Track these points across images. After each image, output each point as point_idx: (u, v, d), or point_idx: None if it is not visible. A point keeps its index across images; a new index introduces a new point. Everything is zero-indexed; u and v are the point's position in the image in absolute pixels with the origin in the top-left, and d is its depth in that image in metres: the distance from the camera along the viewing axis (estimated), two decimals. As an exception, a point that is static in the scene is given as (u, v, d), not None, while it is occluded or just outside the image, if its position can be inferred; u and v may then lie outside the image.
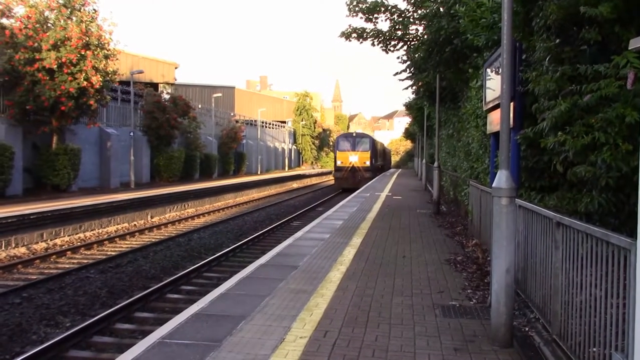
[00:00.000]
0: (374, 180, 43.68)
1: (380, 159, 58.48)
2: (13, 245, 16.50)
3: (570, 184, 6.50)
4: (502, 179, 5.67)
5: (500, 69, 6.27)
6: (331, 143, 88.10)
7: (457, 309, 7.05)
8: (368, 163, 43.90)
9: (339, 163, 43.81)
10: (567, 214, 5.57)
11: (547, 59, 6.65)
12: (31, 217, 17.38)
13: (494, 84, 8.56)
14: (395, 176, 52.53)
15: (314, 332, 6.02)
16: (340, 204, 21.02)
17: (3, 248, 16.09)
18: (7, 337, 9.13)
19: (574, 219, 5.14)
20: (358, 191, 29.10)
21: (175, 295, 11.73)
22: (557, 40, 6.51)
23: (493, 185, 5.80)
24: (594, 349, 4.37)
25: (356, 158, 43.55)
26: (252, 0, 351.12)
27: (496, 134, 8.34)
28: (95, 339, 9.00)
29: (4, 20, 23.34)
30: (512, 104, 6.77)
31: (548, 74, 6.45)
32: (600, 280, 4.29)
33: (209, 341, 5.65)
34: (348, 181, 42.73)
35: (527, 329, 6.24)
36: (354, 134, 47.17)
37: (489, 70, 9.17)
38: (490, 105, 8.96)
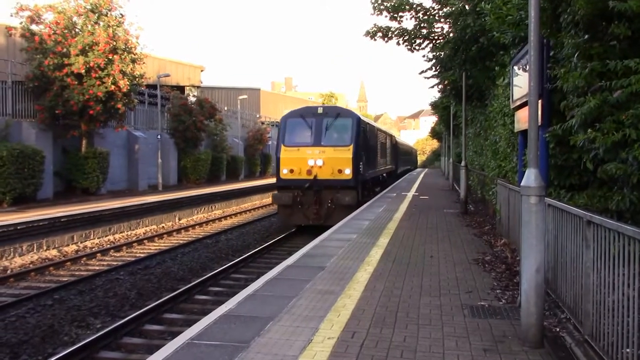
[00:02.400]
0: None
1: (389, 160, 33.80)
2: (44, 247, 16.77)
3: (601, 181, 6.41)
4: (531, 177, 5.59)
5: (527, 66, 6.20)
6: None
7: (486, 309, 6.98)
8: (349, 171, 19.65)
9: (284, 172, 20.07)
10: (597, 213, 5.48)
11: (575, 55, 6.55)
12: (62, 220, 17.65)
13: (521, 82, 8.45)
14: (422, 176, 52.02)
15: (342, 333, 6.01)
16: (367, 204, 20.97)
17: (35, 250, 16.37)
18: (40, 338, 9.28)
19: (605, 217, 5.05)
20: (385, 191, 28.91)
21: (204, 297, 11.81)
22: (586, 36, 6.41)
23: (522, 183, 5.73)
24: (627, 350, 4.29)
25: (321, 162, 19.71)
26: (277, 2, 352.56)
27: (524, 132, 8.24)
28: (125, 340, 9.11)
29: (34, 27, 23.73)
30: (540, 101, 6.68)
31: (577, 71, 6.36)
32: (632, 280, 4.21)
33: (237, 342, 5.68)
34: (304, 211, 19.76)
35: (558, 329, 6.15)
36: (320, 110, 20.94)
37: (516, 67, 9.06)
38: (518, 103, 8.86)
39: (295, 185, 19.51)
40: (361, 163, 20.21)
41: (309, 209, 19.47)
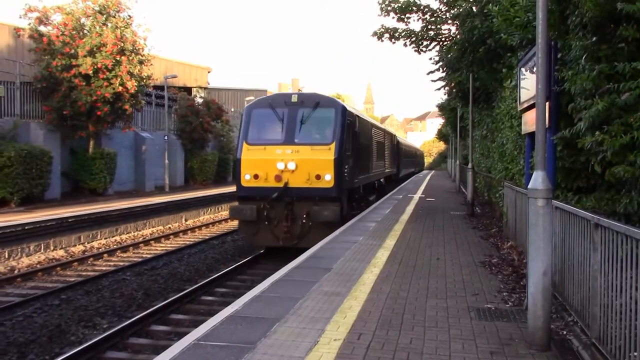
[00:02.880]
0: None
1: (388, 162, 28.80)
2: (52, 248, 16.84)
3: (609, 184, 6.38)
4: (538, 179, 5.58)
5: (535, 69, 6.18)
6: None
7: (492, 312, 6.96)
8: (330, 177, 15.01)
9: (247, 178, 15.43)
10: (605, 215, 5.46)
11: (583, 58, 6.53)
12: (69, 220, 17.72)
13: (528, 84, 8.43)
14: (428, 178, 51.91)
15: (348, 334, 6.01)
16: (373, 206, 20.94)
17: (42, 251, 16.44)
18: (47, 337, 9.32)
19: (613, 220, 5.03)
20: (390, 193, 28.85)
21: (210, 298, 11.83)
22: (594, 38, 6.38)
23: (529, 186, 5.71)
24: (635, 354, 4.27)
25: (293, 166, 15.11)
26: (284, 3, 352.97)
27: (531, 135, 8.22)
28: (131, 340, 9.14)
29: (42, 28, 23.86)
30: (547, 103, 6.66)
31: (584, 73, 6.33)
32: (640, 283, 4.19)
33: (244, 343, 5.68)
34: (272, 229, 15.37)
35: (564, 332, 6.13)
36: (294, 98, 16.08)
37: (523, 69, 9.03)
38: (525, 105, 8.83)
39: (260, 195, 14.96)
40: (347, 166, 15.61)
41: (279, 227, 15.05)
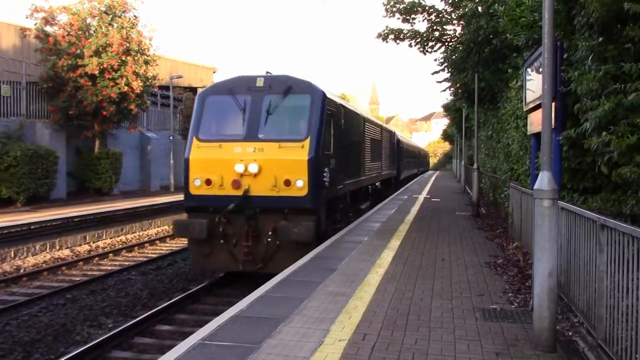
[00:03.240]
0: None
1: (385, 163, 25.34)
2: (57, 247, 16.89)
3: (615, 185, 6.36)
4: (544, 180, 5.56)
5: (541, 69, 6.17)
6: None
7: (498, 313, 6.94)
8: (302, 183, 11.68)
9: (196, 184, 12.18)
10: (611, 216, 5.44)
11: (589, 58, 6.51)
12: (75, 220, 17.77)
13: (534, 84, 8.42)
14: (433, 178, 51.81)
15: (353, 335, 6.00)
16: (377, 207, 20.92)
17: (48, 250, 16.49)
18: (52, 337, 9.35)
19: (619, 221, 5.01)
20: (396, 193, 28.83)
21: (215, 298, 11.83)
22: (600, 39, 6.37)
23: (535, 186, 5.70)
24: (641, 355, 4.25)
25: (255, 168, 11.76)
26: (288, 4, 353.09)
27: (537, 135, 8.21)
28: (136, 339, 9.15)
29: (48, 28, 23.94)
30: (553, 104, 6.65)
31: (591, 73, 6.32)
32: (647, 284, 4.17)
33: (248, 343, 5.68)
34: (230, 250, 11.92)
35: (570, 333, 6.11)
36: (260, 82, 12.58)
37: (529, 70, 9.02)
38: (531, 105, 8.82)
39: (213, 205, 11.81)
40: (327, 169, 12.56)
41: (238, 247, 11.83)
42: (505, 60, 14.17)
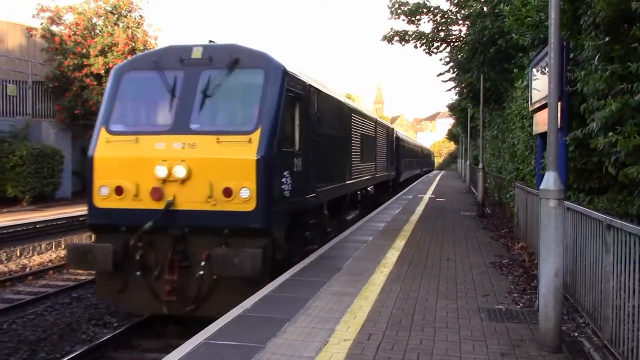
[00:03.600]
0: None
1: (381, 164, 22.24)
2: (63, 246, 16.93)
3: (621, 185, 6.34)
4: (550, 180, 5.54)
5: (547, 69, 6.15)
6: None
7: (503, 313, 6.93)
8: (249, 193, 8.33)
9: (103, 193, 8.81)
10: (618, 217, 5.43)
11: (596, 58, 6.50)
12: (80, 219, 17.80)
13: (540, 84, 8.40)
14: (438, 178, 51.71)
15: (358, 334, 6.00)
16: (382, 206, 20.90)
17: (53, 249, 16.53)
18: (58, 336, 9.36)
19: (626, 221, 4.99)
20: (400, 193, 28.77)
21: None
22: (607, 38, 6.35)
23: (541, 186, 5.68)
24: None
25: (183, 172, 8.42)
26: (293, 4, 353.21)
27: (543, 135, 8.20)
28: (141, 339, 9.15)
29: (54, 28, 24.03)
30: (560, 104, 6.63)
31: (597, 73, 6.30)
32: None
33: (253, 342, 5.68)
34: (148, 285, 8.53)
35: (576, 334, 6.10)
36: (197, 53, 9.19)
37: (535, 70, 9.01)
38: (537, 105, 8.80)
39: (127, 223, 8.68)
40: (289, 172, 9.33)
41: (159, 280, 8.67)
42: (511, 60, 14.15)
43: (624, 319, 4.77)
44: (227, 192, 8.35)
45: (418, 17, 17.72)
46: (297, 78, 9.97)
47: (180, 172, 8.39)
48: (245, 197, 8.30)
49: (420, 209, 20.25)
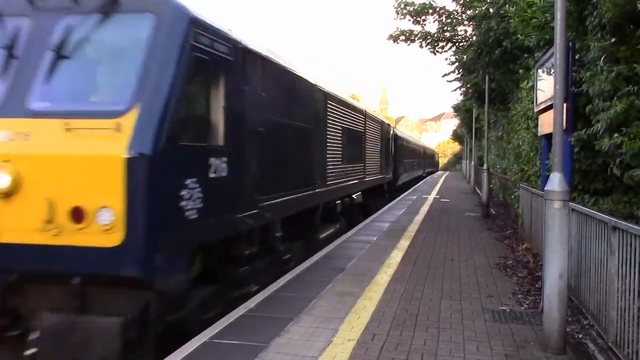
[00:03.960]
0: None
1: (374, 165, 18.96)
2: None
3: (627, 187, 6.32)
4: (555, 181, 5.53)
5: (552, 70, 6.14)
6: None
7: (507, 314, 6.92)
8: (113, 214, 4.96)
9: None
10: (623, 218, 5.41)
11: (601, 59, 6.47)
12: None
13: (545, 85, 8.38)
14: (443, 179, 51.65)
15: (362, 335, 5.99)
16: (387, 206, 20.89)
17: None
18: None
19: (631, 223, 4.98)
20: (405, 194, 28.73)
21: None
22: (613, 39, 6.33)
23: (545, 188, 5.67)
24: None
25: (6, 180, 5.08)
26: (297, 3, 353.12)
27: (548, 136, 8.17)
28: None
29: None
30: (565, 105, 6.61)
31: (603, 74, 6.28)
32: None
33: (257, 342, 5.68)
34: None
35: (580, 335, 6.08)
36: None
37: (540, 71, 8.98)
38: (542, 106, 8.77)
39: None
40: (195, 180, 5.85)
41: None
42: (516, 61, 14.12)
43: (629, 321, 4.76)
44: (77, 215, 5.12)
45: (423, 17, 17.70)
46: (221, 33, 6.59)
47: (1, 180, 5.19)
48: (106, 222, 5.07)
49: (424, 209, 20.24)
